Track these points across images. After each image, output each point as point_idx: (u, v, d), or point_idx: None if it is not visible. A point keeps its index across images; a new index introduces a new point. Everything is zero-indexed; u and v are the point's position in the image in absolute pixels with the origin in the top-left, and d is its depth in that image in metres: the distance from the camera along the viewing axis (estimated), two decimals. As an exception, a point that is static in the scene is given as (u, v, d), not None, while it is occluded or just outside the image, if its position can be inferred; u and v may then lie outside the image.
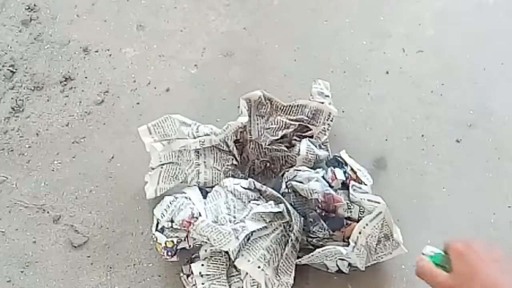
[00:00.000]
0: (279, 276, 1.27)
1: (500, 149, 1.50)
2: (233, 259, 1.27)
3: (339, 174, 1.35)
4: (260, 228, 1.28)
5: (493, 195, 1.44)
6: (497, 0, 1.72)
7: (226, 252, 1.28)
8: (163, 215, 1.30)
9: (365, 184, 1.34)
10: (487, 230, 1.40)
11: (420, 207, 1.42)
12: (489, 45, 1.65)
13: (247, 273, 1.27)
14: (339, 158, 1.39)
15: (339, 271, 1.32)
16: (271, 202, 1.32)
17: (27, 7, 1.71)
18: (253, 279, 1.26)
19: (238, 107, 1.42)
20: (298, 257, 1.30)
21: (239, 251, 1.27)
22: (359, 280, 1.33)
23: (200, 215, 1.28)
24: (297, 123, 1.44)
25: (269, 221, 1.30)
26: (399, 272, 1.35)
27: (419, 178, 1.47)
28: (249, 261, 1.25)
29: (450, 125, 1.53)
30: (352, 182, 1.34)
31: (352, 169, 1.36)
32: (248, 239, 1.28)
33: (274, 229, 1.30)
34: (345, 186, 1.36)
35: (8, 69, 1.61)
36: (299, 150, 1.40)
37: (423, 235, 1.38)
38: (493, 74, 1.60)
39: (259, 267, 1.25)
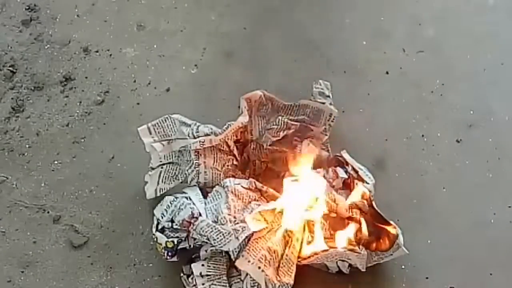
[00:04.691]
0: (279, 277, 1.27)
1: (500, 149, 1.50)
2: (233, 259, 1.27)
3: (341, 173, 1.35)
4: (261, 229, 1.28)
5: (493, 195, 1.44)
6: (497, 0, 1.73)
7: (227, 253, 1.28)
8: (164, 215, 1.30)
9: (367, 183, 1.34)
10: (487, 230, 1.40)
11: (420, 207, 1.42)
12: (489, 45, 1.65)
13: (247, 274, 1.27)
14: (340, 158, 1.39)
15: (340, 271, 1.32)
16: (272, 202, 1.31)
17: (28, 7, 1.71)
18: (253, 280, 1.26)
19: (239, 107, 1.42)
20: (299, 258, 1.30)
21: (239, 251, 1.27)
22: (359, 280, 1.33)
23: (200, 215, 1.28)
24: (298, 123, 1.44)
25: (270, 222, 1.30)
26: (399, 272, 1.35)
27: (419, 178, 1.46)
28: (249, 261, 1.25)
29: (450, 125, 1.53)
30: (355, 181, 1.34)
31: (353, 169, 1.36)
32: (249, 239, 1.28)
33: (275, 230, 1.30)
34: (346, 186, 1.36)
35: (8, 69, 1.61)
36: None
37: (423, 235, 1.38)
38: (493, 74, 1.60)
39: (259, 267, 1.25)
